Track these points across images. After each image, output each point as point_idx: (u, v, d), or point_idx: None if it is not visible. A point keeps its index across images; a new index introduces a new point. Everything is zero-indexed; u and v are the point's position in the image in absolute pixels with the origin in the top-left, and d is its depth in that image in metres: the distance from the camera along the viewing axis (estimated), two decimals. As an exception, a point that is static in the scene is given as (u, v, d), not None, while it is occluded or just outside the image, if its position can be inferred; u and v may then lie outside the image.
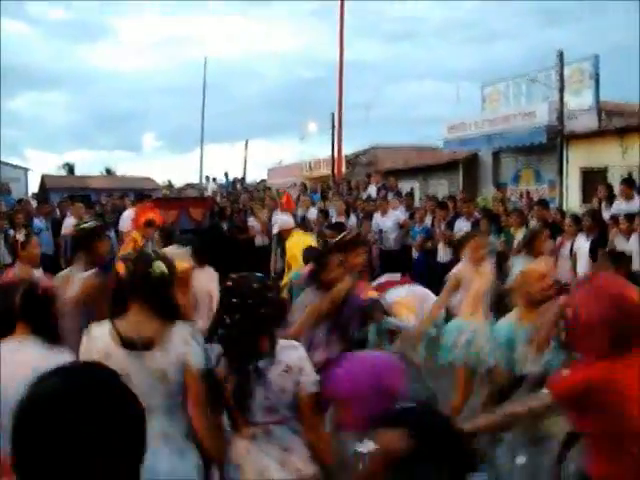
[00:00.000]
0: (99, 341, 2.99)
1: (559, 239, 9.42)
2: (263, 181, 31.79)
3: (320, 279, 4.51)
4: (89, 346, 3.01)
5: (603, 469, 2.69)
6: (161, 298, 3.05)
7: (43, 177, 40.15)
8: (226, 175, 27.30)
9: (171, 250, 5.23)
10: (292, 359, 2.99)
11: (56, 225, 12.37)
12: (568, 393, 2.67)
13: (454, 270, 6.18)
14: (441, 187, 21.13)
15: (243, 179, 29.56)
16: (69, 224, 11.09)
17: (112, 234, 10.83)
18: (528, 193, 16.46)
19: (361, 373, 3.50)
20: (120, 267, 3.09)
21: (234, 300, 2.96)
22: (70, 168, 57.50)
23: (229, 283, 3.08)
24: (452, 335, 5.85)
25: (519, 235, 9.92)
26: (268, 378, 2.93)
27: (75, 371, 1.35)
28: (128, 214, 11.07)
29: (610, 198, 10.73)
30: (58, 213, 13.69)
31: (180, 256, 4.77)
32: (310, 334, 4.31)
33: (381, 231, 11.72)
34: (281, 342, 3.04)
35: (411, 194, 15.15)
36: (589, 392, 2.59)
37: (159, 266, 3.06)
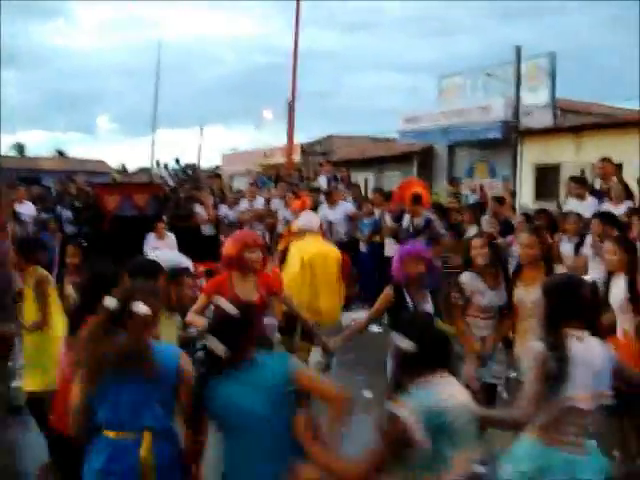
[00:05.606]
0: None
1: (509, 237, 9.12)
2: (217, 167, 31.21)
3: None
4: None
5: None
6: None
7: (-10, 157, 39.03)
8: (177, 161, 26.58)
9: None
10: None
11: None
12: None
13: None
14: (395, 179, 20.79)
15: (195, 165, 28.90)
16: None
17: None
18: (482, 187, 16.26)
19: None
20: None
21: None
22: (21, 148, 55.88)
23: None
24: None
25: (471, 232, 9.60)
26: None
27: None
28: None
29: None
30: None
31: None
32: None
33: (330, 223, 11.29)
34: None
35: (356, 185, 14.43)
36: None
37: None
